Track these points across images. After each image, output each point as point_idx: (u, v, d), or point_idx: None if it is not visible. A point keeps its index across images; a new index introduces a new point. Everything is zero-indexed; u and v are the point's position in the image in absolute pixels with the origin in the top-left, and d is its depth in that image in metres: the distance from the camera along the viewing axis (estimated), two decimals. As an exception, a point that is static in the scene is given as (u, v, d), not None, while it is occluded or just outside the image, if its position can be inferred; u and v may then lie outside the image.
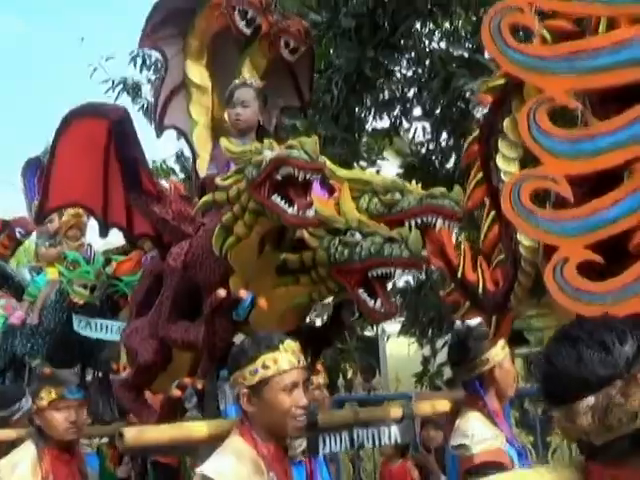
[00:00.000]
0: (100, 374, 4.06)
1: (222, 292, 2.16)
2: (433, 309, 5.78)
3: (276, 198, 1.98)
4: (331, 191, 2.52)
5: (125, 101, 6.61)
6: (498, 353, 2.43)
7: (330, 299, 2.54)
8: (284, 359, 1.78)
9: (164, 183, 4.23)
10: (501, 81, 1.96)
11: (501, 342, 2.43)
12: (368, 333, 7.43)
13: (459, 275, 2.13)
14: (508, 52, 1.70)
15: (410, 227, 2.14)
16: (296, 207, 1.96)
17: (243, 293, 2.16)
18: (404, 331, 6.39)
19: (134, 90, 6.56)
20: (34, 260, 4.65)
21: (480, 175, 2.10)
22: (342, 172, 2.44)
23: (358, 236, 2.04)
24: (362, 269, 2.00)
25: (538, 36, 1.79)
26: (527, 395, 4.80)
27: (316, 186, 2.67)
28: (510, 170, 2.04)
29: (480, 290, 2.09)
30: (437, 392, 5.96)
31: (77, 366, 4.13)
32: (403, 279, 6.39)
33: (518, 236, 1.99)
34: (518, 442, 2.53)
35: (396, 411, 2.29)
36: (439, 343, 6.32)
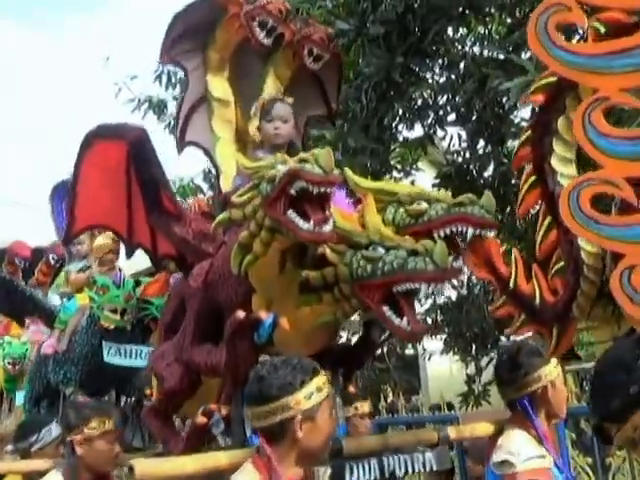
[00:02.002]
0: (133, 401, 4.08)
1: (241, 313, 2.13)
2: (476, 325, 5.66)
3: (291, 214, 1.94)
4: (357, 205, 2.48)
5: (151, 119, 6.74)
6: (552, 371, 2.32)
7: (358, 316, 2.48)
8: (327, 384, 1.81)
9: (189, 202, 4.27)
10: (552, 79, 1.90)
11: (554, 359, 2.33)
12: (408, 351, 7.31)
13: (512, 286, 2.05)
14: (556, 52, 1.65)
15: (436, 239, 2.06)
16: (312, 222, 1.92)
17: (263, 314, 2.12)
18: (446, 349, 6.25)
19: (159, 108, 6.66)
20: (65, 286, 4.72)
21: (533, 178, 2.04)
22: (366, 183, 2.40)
23: (381, 250, 1.98)
24: (385, 285, 1.94)
25: (591, 29, 1.73)
26: (582, 414, 4.62)
27: (341, 199, 2.64)
28: (567, 172, 1.99)
29: (537, 301, 2.02)
30: (484, 412, 5.82)
31: (111, 393, 4.18)
32: (445, 294, 6.29)
33: (579, 242, 1.91)
34: (568, 469, 2.42)
35: (431, 436, 2.20)
36: (484, 361, 6.17)
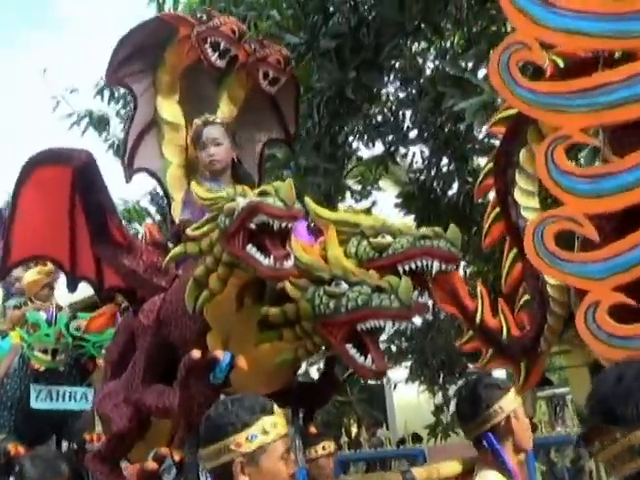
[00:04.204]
0: (74, 446, 4.00)
1: (196, 353, 2.14)
2: (443, 352, 5.73)
3: (251, 249, 1.97)
4: (318, 234, 2.52)
5: (92, 137, 6.64)
6: (511, 401, 2.39)
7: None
8: (280, 424, 1.79)
9: (138, 227, 4.23)
10: (513, 111, 1.99)
11: (513, 390, 2.40)
12: (372, 382, 7.34)
13: (478, 321, 2.11)
14: (518, 90, 1.73)
15: (401, 274, 2.12)
16: (272, 258, 1.95)
17: (219, 353, 2.13)
18: (412, 378, 6.31)
19: (101, 124, 6.58)
20: (3, 323, 4.61)
21: (497, 210, 2.11)
22: (328, 214, 2.44)
23: (344, 286, 2.03)
24: (349, 322, 1.98)
25: (551, 63, 1.82)
26: (553, 444, 4.71)
27: (302, 231, 2.68)
28: (530, 204, 2.06)
29: (504, 336, 2.08)
30: (452, 444, 5.88)
31: (51, 439, 4.08)
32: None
33: (545, 276, 1.99)
34: None
35: (396, 477, 2.25)
36: (452, 390, 6.24)
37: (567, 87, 1.69)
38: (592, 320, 1.64)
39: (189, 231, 2.17)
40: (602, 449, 1.21)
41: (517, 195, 2.04)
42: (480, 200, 2.54)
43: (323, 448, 3.24)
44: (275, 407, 1.82)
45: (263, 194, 1.98)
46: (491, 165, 2.13)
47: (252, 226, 1.97)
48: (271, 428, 1.75)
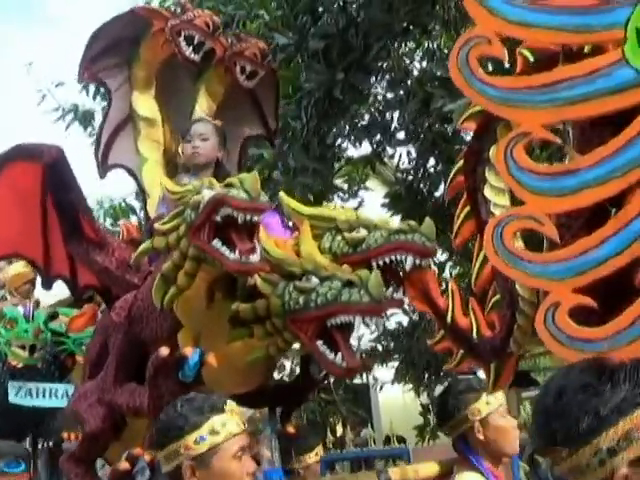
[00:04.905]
0: (50, 444, 3.94)
1: (164, 350, 2.09)
2: (429, 352, 5.69)
3: (217, 243, 1.93)
4: (295, 230, 2.48)
5: (77, 131, 6.60)
6: (481, 409, 2.35)
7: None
8: (232, 422, 1.75)
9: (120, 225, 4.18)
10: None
11: (486, 397, 2.36)
12: (358, 381, 7.31)
13: (449, 320, 2.07)
14: (478, 85, 1.68)
15: (373, 268, 2.08)
16: (237, 252, 1.91)
17: (188, 350, 2.09)
18: (398, 378, 6.28)
19: (86, 119, 6.53)
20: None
21: (468, 208, 2.07)
22: (302, 209, 2.40)
23: (315, 281, 1.98)
24: (319, 318, 1.94)
25: (520, 58, 1.78)
26: (538, 445, 4.67)
27: (276, 225, 2.64)
28: (500, 202, 2.03)
29: (475, 336, 2.04)
30: (438, 445, 5.85)
31: (27, 437, 4.03)
32: (394, 320, 6.33)
33: None
34: None
35: (372, 479, 2.20)
36: (438, 390, 6.22)
37: (528, 82, 1.64)
38: (552, 321, 1.59)
39: (157, 225, 2.12)
40: (553, 465, 1.17)
41: (487, 192, 2.00)
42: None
43: (316, 454, 3.23)
44: (229, 405, 1.77)
45: (228, 186, 1.94)
46: (461, 163, 2.08)
47: (218, 219, 1.92)
48: (221, 427, 1.71)
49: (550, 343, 1.60)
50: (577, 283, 1.59)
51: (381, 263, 2.16)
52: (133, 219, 6.33)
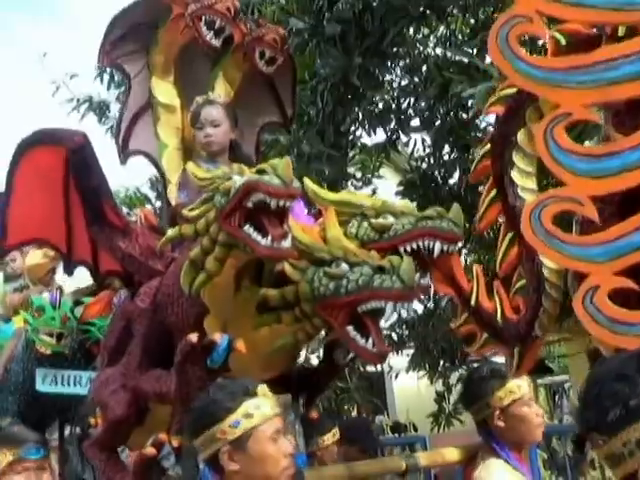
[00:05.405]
0: (78, 430, 3.96)
1: (193, 337, 2.09)
2: (444, 340, 5.69)
3: (248, 228, 1.91)
4: (318, 217, 2.47)
5: (91, 121, 6.60)
6: (502, 397, 2.34)
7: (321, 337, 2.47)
8: (266, 405, 1.76)
9: (137, 213, 4.17)
10: (511, 90, 1.93)
11: (510, 385, 2.35)
12: (372, 369, 7.31)
13: (473, 303, 2.07)
14: (519, 65, 1.67)
15: (402, 254, 2.06)
16: (270, 237, 1.89)
17: (217, 336, 2.08)
18: (413, 366, 6.27)
19: (101, 109, 6.52)
20: (1, 307, 4.57)
21: (494, 192, 2.07)
22: (327, 195, 2.39)
23: (345, 267, 1.97)
24: (350, 304, 1.93)
25: (552, 40, 1.76)
26: (554, 433, 4.68)
27: (300, 212, 2.62)
28: (527, 185, 2.02)
29: (499, 319, 2.03)
30: (454, 432, 5.85)
31: (54, 423, 4.05)
32: (409, 308, 6.30)
33: (542, 258, 1.93)
34: None
35: (398, 463, 2.20)
36: (453, 377, 6.22)
37: (567, 63, 1.63)
38: (590, 303, 1.59)
39: (184, 212, 2.11)
40: (594, 449, 1.19)
41: (515, 176, 1.99)
42: (481, 188, 2.49)
43: (333, 435, 3.27)
44: (261, 388, 1.78)
45: (260, 172, 1.92)
46: (488, 146, 2.07)
47: (249, 205, 1.91)
48: (255, 411, 1.72)
49: (590, 325, 1.59)
50: (618, 266, 1.58)
51: (409, 249, 2.15)
52: (146, 208, 6.32)
